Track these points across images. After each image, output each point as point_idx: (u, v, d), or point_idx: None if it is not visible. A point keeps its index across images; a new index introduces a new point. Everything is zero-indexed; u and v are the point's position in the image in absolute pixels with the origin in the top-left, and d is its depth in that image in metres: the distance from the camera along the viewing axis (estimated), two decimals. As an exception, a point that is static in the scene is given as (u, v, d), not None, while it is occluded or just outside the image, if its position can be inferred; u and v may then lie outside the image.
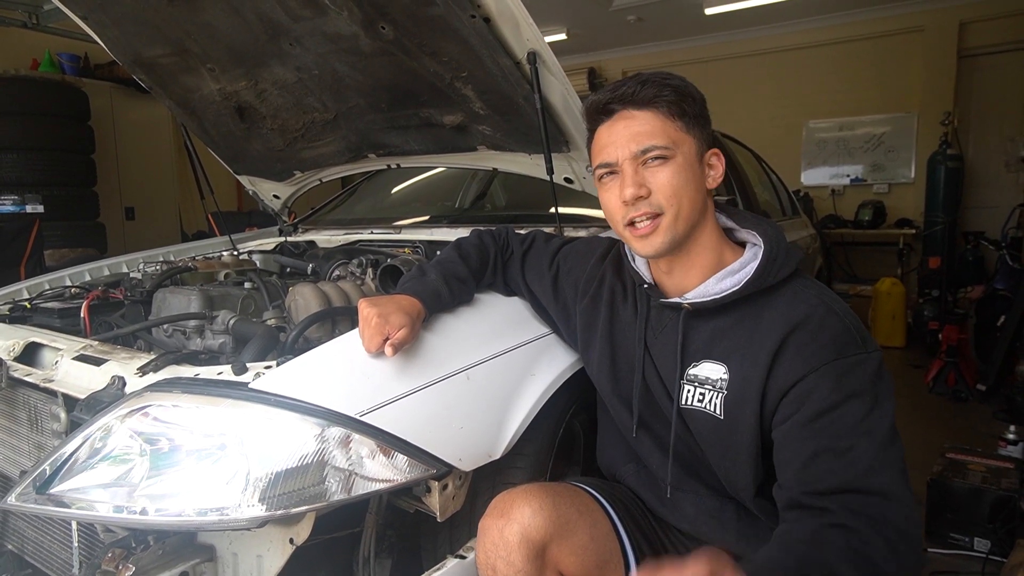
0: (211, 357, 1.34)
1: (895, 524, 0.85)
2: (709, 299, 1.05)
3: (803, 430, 0.93)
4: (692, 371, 1.06)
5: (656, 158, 1.02)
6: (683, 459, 1.13)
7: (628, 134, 1.04)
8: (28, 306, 1.69)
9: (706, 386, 1.04)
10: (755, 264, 1.03)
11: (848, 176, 6.07)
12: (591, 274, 1.26)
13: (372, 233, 2.24)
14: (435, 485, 1.12)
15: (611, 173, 1.06)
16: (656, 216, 1.03)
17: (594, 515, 1.10)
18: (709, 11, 5.59)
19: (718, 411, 1.03)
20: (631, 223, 1.04)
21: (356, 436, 1.00)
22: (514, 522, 1.00)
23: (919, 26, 5.58)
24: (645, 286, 1.15)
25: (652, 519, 1.19)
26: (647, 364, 1.13)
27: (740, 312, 1.04)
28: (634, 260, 1.19)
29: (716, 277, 1.06)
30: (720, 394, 1.02)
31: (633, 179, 1.02)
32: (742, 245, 1.11)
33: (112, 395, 1.11)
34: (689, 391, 1.06)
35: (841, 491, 0.88)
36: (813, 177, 6.21)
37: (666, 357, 1.10)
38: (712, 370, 1.04)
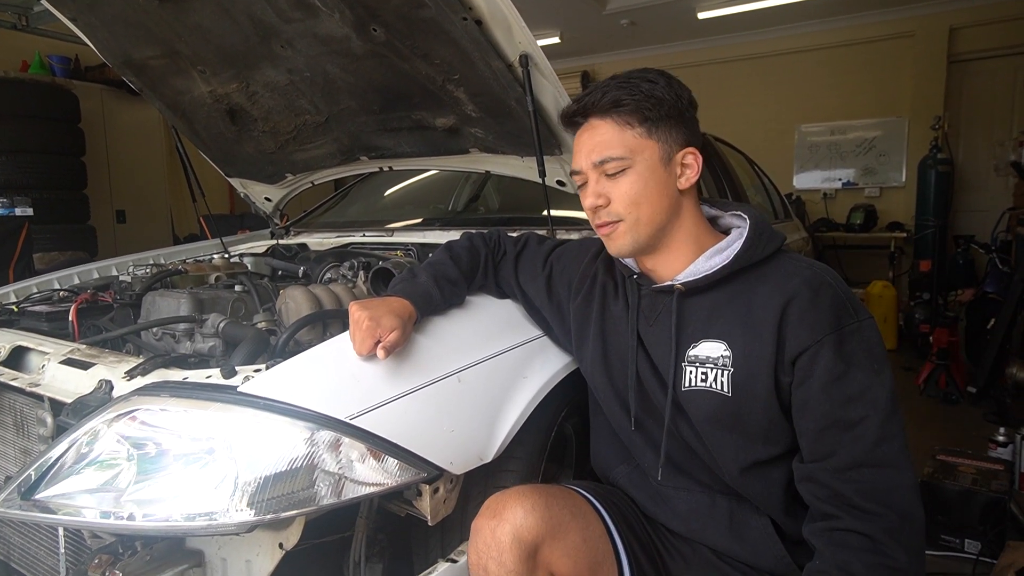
0: (200, 361, 1.33)
1: (901, 507, 0.93)
2: (700, 276, 1.06)
3: (812, 401, 0.97)
4: (692, 352, 1.06)
5: (614, 171, 1.06)
6: (676, 452, 1.12)
7: (590, 144, 1.09)
8: (15, 309, 1.68)
9: (707, 365, 1.04)
10: (743, 239, 1.06)
11: (840, 180, 6.10)
12: (584, 273, 1.27)
13: (364, 236, 2.23)
14: (426, 489, 1.12)
15: (584, 183, 1.11)
16: (615, 222, 1.07)
17: (587, 517, 1.10)
18: (702, 15, 5.62)
19: (725, 388, 1.03)
20: (598, 226, 1.10)
21: (346, 440, 0.99)
22: (506, 522, 1.00)
23: (910, 31, 5.62)
24: (635, 276, 1.16)
25: (645, 521, 1.19)
26: (640, 356, 1.14)
27: (733, 288, 1.05)
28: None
29: (705, 256, 1.09)
30: (725, 371, 1.03)
31: (593, 189, 1.08)
32: (726, 233, 1.13)
33: (99, 399, 1.10)
34: (691, 372, 1.06)
35: (853, 466, 0.95)
36: (805, 181, 6.24)
37: (661, 343, 1.10)
38: (712, 348, 1.05)
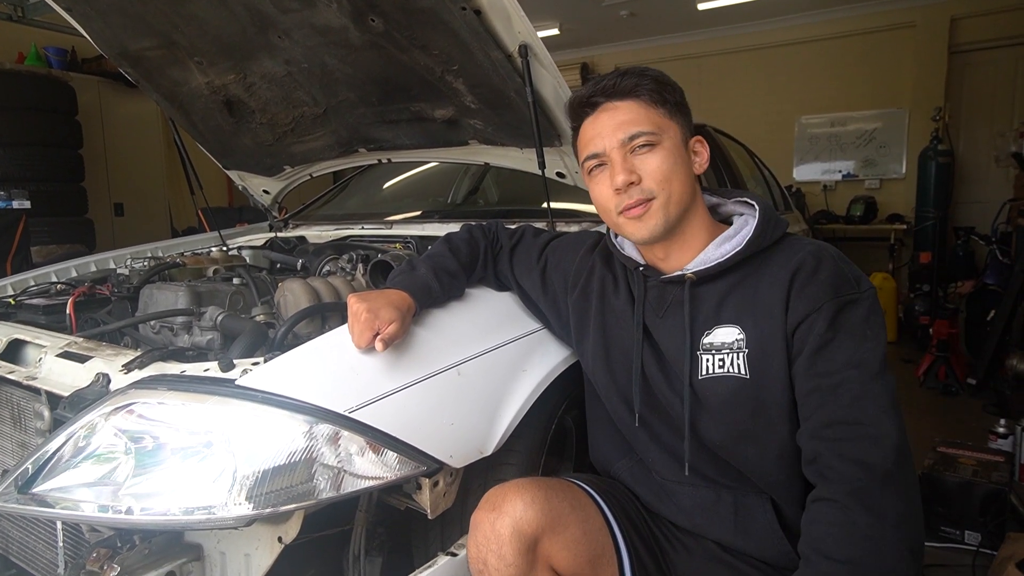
0: (199, 354, 1.32)
1: (877, 465, 0.90)
2: (712, 264, 1.06)
3: (804, 369, 0.98)
4: (707, 339, 1.06)
5: (644, 145, 1.05)
6: (693, 448, 1.11)
7: (613, 124, 1.06)
8: (12, 302, 1.67)
9: (724, 351, 1.04)
10: (752, 226, 1.06)
11: (840, 172, 6.08)
12: (580, 267, 1.26)
13: (363, 228, 2.22)
14: (426, 482, 1.11)
15: (600, 164, 1.09)
16: (648, 200, 1.05)
17: (587, 510, 1.09)
18: (702, 6, 5.58)
19: (742, 371, 1.02)
20: (624, 210, 1.06)
21: (345, 433, 0.99)
22: (506, 515, 1.00)
23: (910, 22, 5.59)
24: (641, 268, 1.14)
25: (647, 515, 1.18)
26: (646, 351, 1.13)
27: (740, 274, 1.06)
28: (623, 248, 1.19)
29: (714, 244, 1.09)
30: (741, 353, 1.03)
31: (623, 166, 1.05)
32: (727, 223, 1.13)
33: (96, 392, 1.09)
34: (707, 360, 1.05)
35: (829, 424, 0.94)
36: (805, 173, 6.21)
37: (674, 335, 1.09)
38: (727, 333, 1.04)
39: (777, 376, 1.00)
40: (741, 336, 1.03)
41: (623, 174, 1.04)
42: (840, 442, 0.92)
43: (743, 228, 1.08)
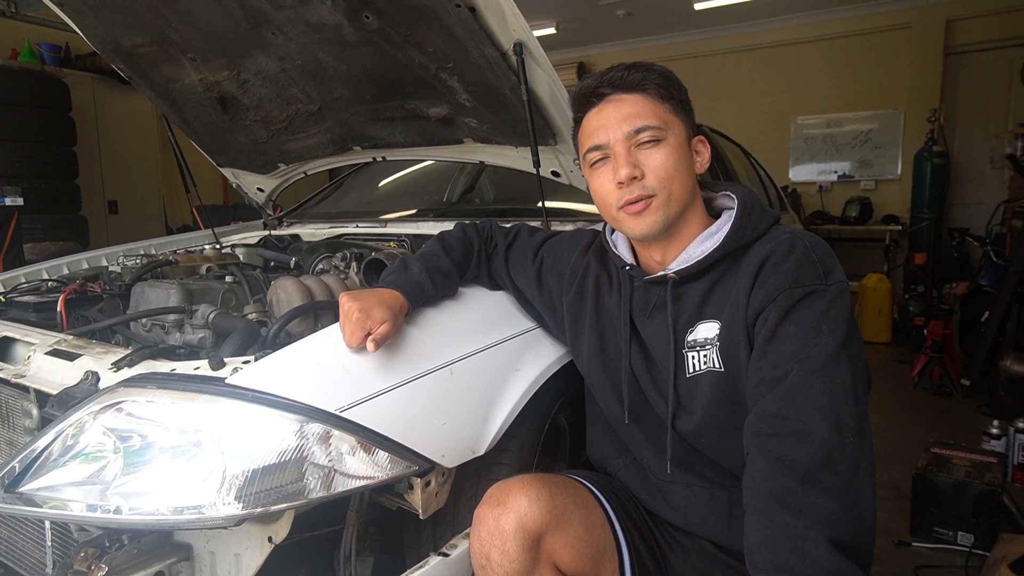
0: (190, 352, 1.32)
1: (797, 462, 0.85)
2: (693, 262, 1.05)
3: (755, 359, 0.96)
4: (690, 337, 1.05)
5: (649, 140, 1.04)
6: (676, 447, 1.11)
7: (619, 116, 1.05)
8: (3, 299, 1.66)
9: (707, 347, 1.04)
10: (731, 220, 1.05)
11: (835, 172, 6.09)
12: (575, 266, 1.25)
13: (357, 227, 2.21)
14: (417, 482, 1.11)
15: (603, 157, 1.07)
16: (649, 197, 1.03)
17: (589, 507, 1.09)
18: (698, 6, 5.59)
19: (717, 364, 1.02)
20: (624, 205, 1.04)
21: (336, 432, 0.98)
22: (510, 511, 0.99)
23: (907, 23, 5.61)
24: (627, 267, 1.14)
25: (645, 512, 1.18)
26: (634, 351, 1.12)
27: (722, 268, 1.05)
28: (616, 246, 1.18)
29: (696, 242, 1.07)
30: (715, 347, 1.02)
31: (627, 160, 1.03)
32: (717, 216, 1.12)
33: (85, 391, 1.08)
34: (693, 357, 1.05)
35: (762, 417, 0.91)
36: (801, 173, 6.23)
37: (659, 335, 1.09)
38: (708, 329, 1.04)
39: (744, 368, 0.99)
40: (719, 331, 1.03)
41: (627, 167, 1.02)
42: (766, 436, 0.89)
43: (725, 224, 1.06)
